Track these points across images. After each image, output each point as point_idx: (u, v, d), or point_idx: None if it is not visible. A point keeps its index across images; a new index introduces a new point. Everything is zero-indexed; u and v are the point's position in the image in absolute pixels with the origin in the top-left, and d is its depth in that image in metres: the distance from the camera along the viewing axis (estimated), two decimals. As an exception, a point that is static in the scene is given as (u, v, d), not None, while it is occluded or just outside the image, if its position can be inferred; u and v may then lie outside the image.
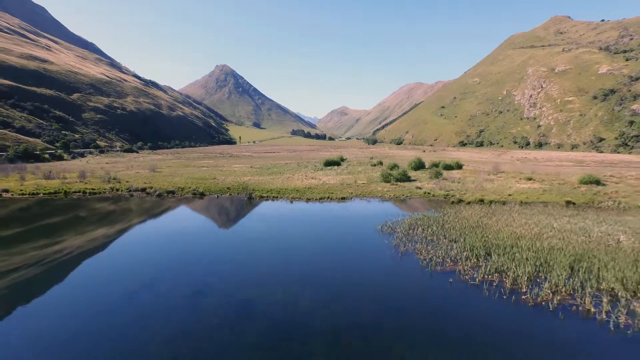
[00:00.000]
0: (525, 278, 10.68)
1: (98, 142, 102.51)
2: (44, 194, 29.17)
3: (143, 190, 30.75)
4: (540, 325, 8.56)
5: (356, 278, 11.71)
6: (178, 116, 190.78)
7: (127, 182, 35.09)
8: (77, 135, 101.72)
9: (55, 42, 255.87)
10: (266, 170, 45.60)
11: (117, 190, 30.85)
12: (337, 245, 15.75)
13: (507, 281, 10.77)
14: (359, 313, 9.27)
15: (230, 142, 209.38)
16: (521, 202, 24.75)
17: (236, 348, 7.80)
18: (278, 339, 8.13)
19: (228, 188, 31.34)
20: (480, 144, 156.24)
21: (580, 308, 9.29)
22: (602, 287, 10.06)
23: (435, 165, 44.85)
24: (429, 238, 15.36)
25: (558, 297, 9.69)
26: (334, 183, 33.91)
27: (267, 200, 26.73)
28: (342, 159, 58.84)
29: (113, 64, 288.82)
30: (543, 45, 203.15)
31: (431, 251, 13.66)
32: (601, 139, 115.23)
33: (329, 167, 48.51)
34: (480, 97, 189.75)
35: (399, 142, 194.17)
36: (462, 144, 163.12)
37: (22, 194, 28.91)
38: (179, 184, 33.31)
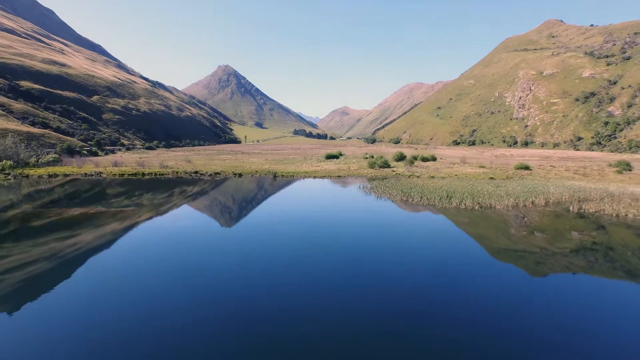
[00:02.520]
0: (419, 197, 23.42)
1: (122, 141, 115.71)
2: (128, 175, 42.04)
3: (196, 172, 43.63)
4: (415, 210, 21.17)
5: (343, 203, 24.39)
6: (187, 116, 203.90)
7: (178, 168, 47.91)
8: (104, 135, 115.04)
9: (66, 45, 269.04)
10: (280, 162, 58.44)
11: (177, 172, 43.71)
12: (334, 193, 28.45)
13: (409, 199, 23.52)
14: (341, 211, 21.95)
15: (236, 141, 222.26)
16: (458, 178, 37.36)
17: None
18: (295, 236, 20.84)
19: (256, 171, 44.19)
20: (472, 143, 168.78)
21: (434, 204, 22.01)
22: (449, 200, 22.69)
23: (414, 157, 57.64)
24: (383, 189, 28.06)
25: (427, 202, 22.42)
26: (333, 169, 46.68)
27: (286, 178, 39.48)
28: (341, 154, 71.71)
29: (120, 65, 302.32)
30: (535, 49, 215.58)
31: (383, 193, 26.41)
32: (579, 138, 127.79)
33: (330, 160, 61.34)
34: (475, 99, 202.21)
35: (397, 142, 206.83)
36: (456, 143, 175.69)
37: (114, 175, 41.78)
38: (219, 169, 46.14)
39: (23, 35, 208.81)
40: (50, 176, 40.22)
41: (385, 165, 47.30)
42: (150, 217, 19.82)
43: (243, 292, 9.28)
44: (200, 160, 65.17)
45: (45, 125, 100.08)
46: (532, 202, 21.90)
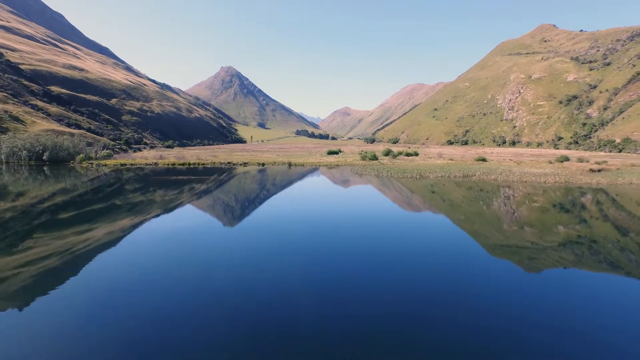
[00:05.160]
0: (386, 173, 37.71)
1: (145, 140, 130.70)
2: (178, 164, 56.46)
3: (228, 163, 58.04)
4: (387, 181, 35.40)
5: (339, 177, 38.72)
6: (195, 117, 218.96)
7: (213, 160, 62.29)
8: (128, 135, 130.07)
9: (78, 49, 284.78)
10: (290, 156, 72.91)
11: (214, 163, 58.11)
12: (333, 174, 42.83)
13: (380, 174, 37.84)
14: (339, 181, 36.27)
15: (241, 141, 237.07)
16: (424, 165, 51.53)
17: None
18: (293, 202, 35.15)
19: (274, 162, 58.62)
20: (465, 143, 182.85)
21: (393, 176, 36.26)
22: (404, 174, 36.88)
23: (400, 152, 72.01)
24: (365, 170, 42.34)
25: (390, 175, 36.73)
26: (333, 161, 61.08)
27: (298, 166, 53.82)
28: (340, 151, 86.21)
29: (128, 68, 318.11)
30: (527, 53, 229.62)
31: (365, 172, 40.75)
32: (560, 138, 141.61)
33: (331, 155, 75.81)
34: (469, 101, 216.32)
35: (395, 141, 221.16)
36: (450, 143, 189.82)
37: (166, 165, 56.18)
38: (245, 161, 60.52)
39: (41, 41, 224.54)
40: (121, 165, 54.77)
41: (374, 158, 61.67)
42: (208, 190, 34.16)
43: (247, 287, 9.29)
44: (223, 155, 79.69)
45: (78, 127, 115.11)
46: (454, 175, 36.21)
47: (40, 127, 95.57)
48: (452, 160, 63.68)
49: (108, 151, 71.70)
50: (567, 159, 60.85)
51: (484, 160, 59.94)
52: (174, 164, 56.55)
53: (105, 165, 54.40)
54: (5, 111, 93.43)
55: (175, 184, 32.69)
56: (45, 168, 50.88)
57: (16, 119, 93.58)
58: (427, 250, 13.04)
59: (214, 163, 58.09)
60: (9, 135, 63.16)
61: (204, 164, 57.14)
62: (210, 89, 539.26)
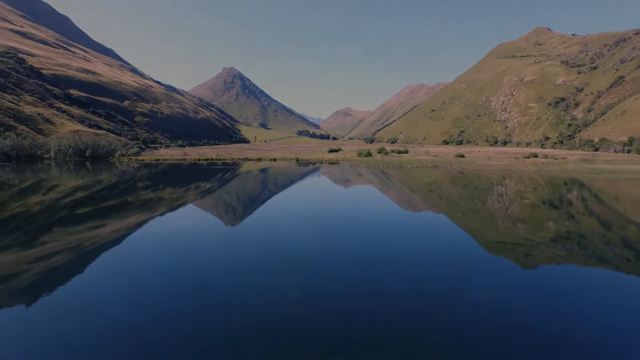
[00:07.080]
0: (374, 165, 48.82)
1: (159, 140, 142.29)
2: (202, 160, 67.61)
3: (245, 158, 69.20)
4: (379, 173, 46.47)
5: (339, 172, 49.80)
6: (202, 118, 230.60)
7: (231, 156, 73.45)
8: (144, 135, 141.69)
9: (86, 52, 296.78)
10: (296, 154, 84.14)
11: (232, 159, 69.26)
12: (332, 168, 53.93)
13: (370, 165, 48.93)
14: (336, 174, 47.37)
15: (245, 141, 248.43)
16: (410, 160, 62.54)
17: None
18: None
19: (283, 158, 69.77)
20: (460, 143, 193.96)
21: (378, 167, 47.35)
22: (388, 165, 47.91)
23: (392, 151, 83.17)
24: (359, 164, 53.35)
25: (378, 167, 47.80)
26: (333, 157, 72.21)
27: (304, 162, 64.91)
28: (340, 149, 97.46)
29: (134, 70, 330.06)
30: (522, 56, 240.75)
31: (359, 165, 51.85)
32: (547, 138, 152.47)
33: (331, 152, 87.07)
34: (465, 102, 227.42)
35: (394, 141, 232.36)
36: (446, 143, 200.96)
37: (192, 160, 67.33)
38: (259, 157, 71.69)
39: (53, 45, 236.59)
40: (155, 160, 65.95)
41: (368, 154, 72.88)
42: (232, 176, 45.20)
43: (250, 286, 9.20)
44: (236, 153, 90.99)
45: (98, 127, 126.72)
46: (427, 166, 47.26)
47: (68, 128, 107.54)
48: (435, 156, 74.80)
49: (137, 149, 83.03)
50: (535, 155, 71.88)
51: (462, 156, 70.99)
52: (198, 159, 67.75)
53: (142, 160, 65.60)
54: (39, 114, 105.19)
55: (212, 172, 43.87)
56: (87, 163, 60.69)
57: (48, 120, 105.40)
58: (424, 246, 13.21)
59: (232, 159, 69.31)
60: (55, 136, 74.68)
61: (223, 160, 68.32)
62: (212, 89, 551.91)
